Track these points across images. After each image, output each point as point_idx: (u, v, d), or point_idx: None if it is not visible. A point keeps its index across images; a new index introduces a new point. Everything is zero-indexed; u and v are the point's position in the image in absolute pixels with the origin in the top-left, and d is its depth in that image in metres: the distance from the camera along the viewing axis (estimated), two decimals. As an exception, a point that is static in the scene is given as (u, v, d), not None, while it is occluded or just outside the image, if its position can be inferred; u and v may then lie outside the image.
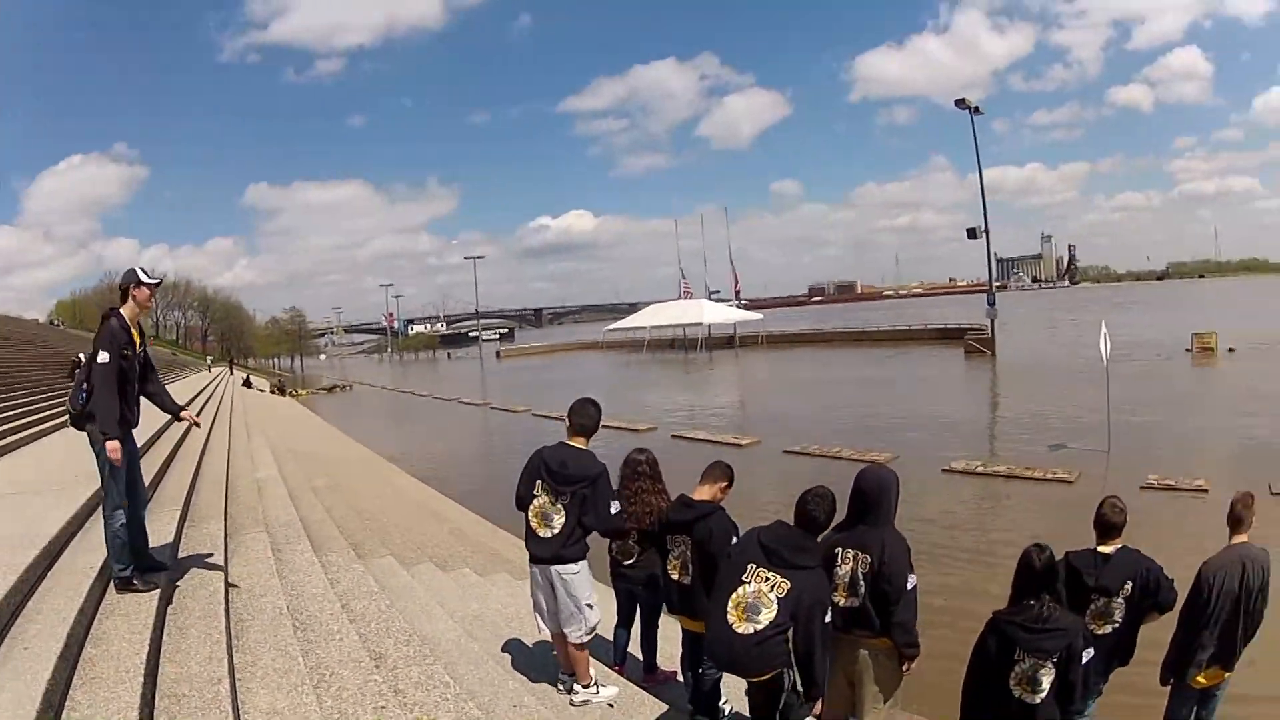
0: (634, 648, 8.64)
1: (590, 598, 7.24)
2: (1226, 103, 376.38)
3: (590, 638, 7.30)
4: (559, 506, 7.10)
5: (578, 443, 7.21)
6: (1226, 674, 6.69)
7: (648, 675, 8.41)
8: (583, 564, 7.25)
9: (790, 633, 5.72)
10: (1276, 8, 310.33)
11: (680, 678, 7.67)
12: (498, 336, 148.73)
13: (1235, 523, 6.68)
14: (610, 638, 8.67)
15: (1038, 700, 5.32)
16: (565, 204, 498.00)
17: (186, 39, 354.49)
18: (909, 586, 5.84)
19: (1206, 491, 17.87)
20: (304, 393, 70.77)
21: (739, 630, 5.73)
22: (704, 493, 7.04)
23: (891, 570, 5.83)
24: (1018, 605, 5.55)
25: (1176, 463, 21.14)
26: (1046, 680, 5.31)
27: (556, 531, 7.20)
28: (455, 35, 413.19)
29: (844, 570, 5.99)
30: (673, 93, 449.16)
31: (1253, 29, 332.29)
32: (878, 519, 6.04)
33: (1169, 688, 6.86)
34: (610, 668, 8.28)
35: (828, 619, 5.72)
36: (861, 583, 5.93)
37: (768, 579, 5.72)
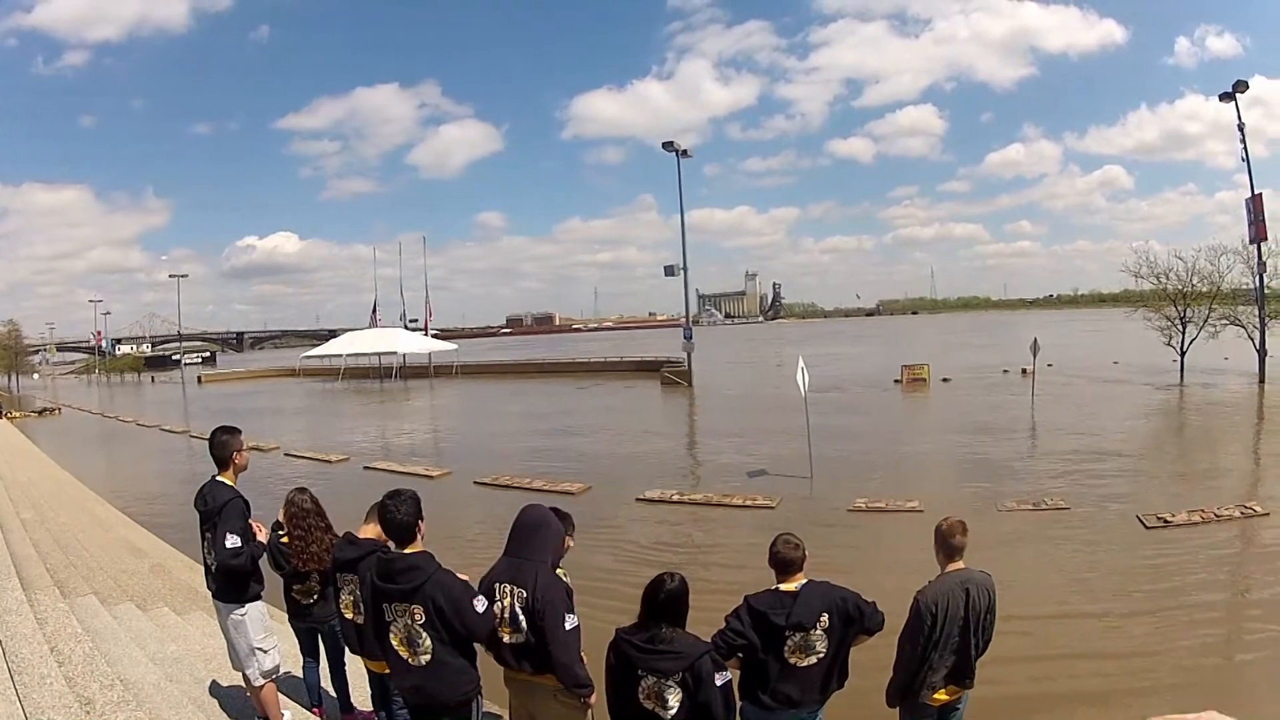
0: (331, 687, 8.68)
1: (262, 641, 7.29)
2: (955, 157, 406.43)
3: (268, 681, 7.35)
4: (206, 542, 7.18)
5: (223, 474, 7.26)
6: (965, 690, 6.96)
7: (345, 716, 8.47)
8: (251, 606, 7.30)
9: (461, 652, 5.92)
10: (1027, 74, 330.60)
11: (377, 718, 7.70)
12: (200, 360, 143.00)
13: (951, 551, 6.81)
14: (305, 679, 8.66)
15: (668, 716, 5.53)
16: (274, 224, 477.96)
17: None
18: (568, 627, 5.92)
19: (921, 511, 18.95)
20: (18, 415, 66.13)
21: (414, 664, 5.86)
22: (369, 531, 7.06)
23: (545, 608, 5.89)
24: (640, 625, 5.73)
25: (885, 485, 22.82)
26: (674, 698, 5.52)
27: (213, 568, 7.25)
28: (196, 40, 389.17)
29: (504, 605, 6.01)
30: (390, 118, 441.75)
31: (1000, 93, 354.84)
32: (532, 554, 6.11)
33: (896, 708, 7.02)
34: (309, 710, 8.37)
35: (480, 608, 5.83)
36: (521, 617, 5.98)
37: (404, 610, 5.82)
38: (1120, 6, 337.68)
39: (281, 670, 7.63)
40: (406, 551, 5.93)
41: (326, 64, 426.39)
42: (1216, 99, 49.77)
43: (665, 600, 5.66)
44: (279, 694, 7.59)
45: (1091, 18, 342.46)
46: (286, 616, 8.52)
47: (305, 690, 8.57)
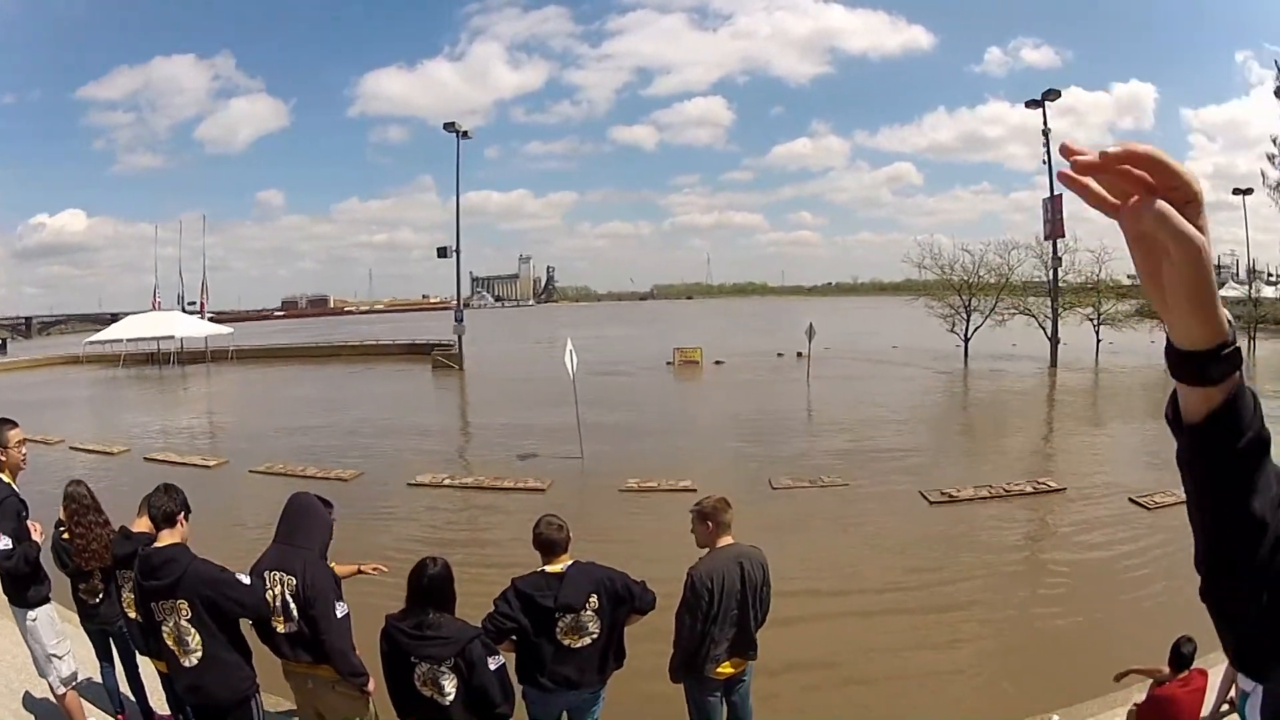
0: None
1: (55, 647, 7.18)
2: (741, 149, 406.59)
3: (68, 688, 7.24)
4: None
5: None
6: (749, 662, 7.18)
7: None
8: (39, 610, 7.18)
9: (235, 648, 5.97)
10: (821, 72, 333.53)
11: None
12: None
13: (720, 527, 6.92)
14: (105, 684, 8.37)
15: (446, 702, 5.52)
16: (66, 201, 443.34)
17: None
18: (339, 615, 6.04)
19: (694, 490, 18.49)
20: None
21: (186, 665, 5.82)
22: (143, 524, 6.82)
23: (315, 595, 5.97)
24: (408, 611, 5.74)
25: (657, 465, 23.08)
26: (449, 684, 5.52)
27: None
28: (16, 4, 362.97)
29: (275, 593, 6.02)
30: (184, 89, 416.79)
31: (793, 88, 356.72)
32: (299, 541, 6.19)
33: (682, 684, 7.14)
34: (113, 717, 8.22)
35: (246, 581, 5.89)
36: (292, 605, 6.01)
37: (175, 609, 5.74)
38: (932, 15, 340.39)
39: (81, 676, 7.56)
40: (163, 545, 5.92)
41: (133, 29, 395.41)
42: (1023, 105, 53.45)
43: (429, 585, 5.70)
44: (83, 701, 7.50)
45: (900, 23, 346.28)
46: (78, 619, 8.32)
47: (108, 697, 8.38)
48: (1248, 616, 1.36)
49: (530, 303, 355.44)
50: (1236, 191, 67.92)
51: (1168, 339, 1.24)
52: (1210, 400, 1.24)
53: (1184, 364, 1.23)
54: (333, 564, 6.60)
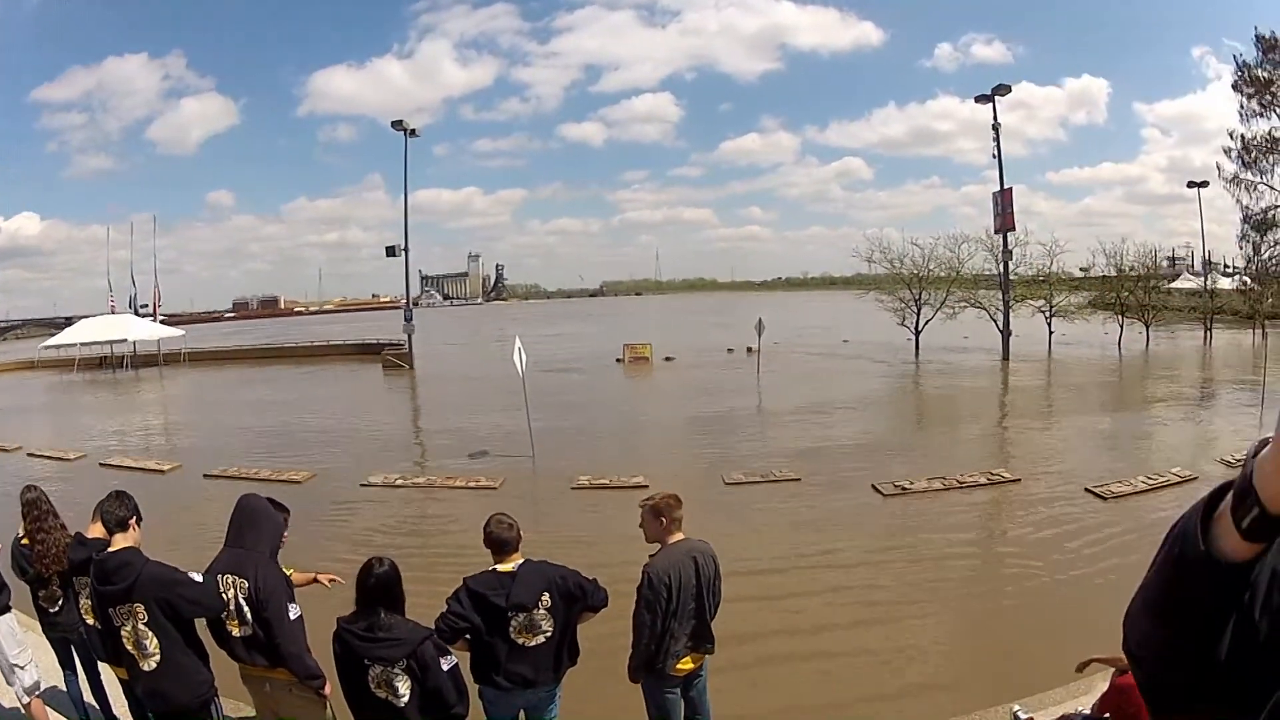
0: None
1: (17, 657, 7.20)
2: (689, 144, 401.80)
3: (33, 698, 7.26)
4: None
5: None
6: (706, 656, 7.23)
7: None
8: (0, 619, 7.19)
9: (193, 651, 6.00)
10: (770, 68, 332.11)
11: None
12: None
13: (672, 524, 6.93)
14: (69, 693, 8.35)
15: (401, 704, 5.52)
16: (19, 205, 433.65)
17: None
18: (292, 617, 6.04)
19: (646, 486, 18.11)
20: None
21: (145, 669, 5.85)
22: (97, 530, 6.76)
23: (268, 598, 5.96)
24: (358, 613, 5.72)
25: (609, 462, 23.12)
26: (403, 686, 5.51)
27: None
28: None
29: (229, 597, 6.03)
30: (135, 90, 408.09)
31: (742, 85, 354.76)
32: (250, 544, 6.18)
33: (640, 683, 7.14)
34: None
35: (198, 578, 5.93)
36: (246, 608, 6.01)
37: (132, 613, 5.77)
38: (882, 11, 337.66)
39: (45, 685, 7.56)
40: (117, 549, 5.95)
41: (86, 28, 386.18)
42: (973, 100, 53.27)
43: (376, 585, 5.69)
44: (48, 709, 7.51)
45: (850, 19, 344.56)
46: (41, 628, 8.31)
47: (72, 705, 8.35)
48: (1184, 690, 1.42)
49: (479, 301, 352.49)
50: (1192, 185, 69.37)
51: (1256, 500, 1.23)
52: (1264, 546, 1.26)
53: (1272, 527, 1.23)
54: (290, 570, 6.68)
